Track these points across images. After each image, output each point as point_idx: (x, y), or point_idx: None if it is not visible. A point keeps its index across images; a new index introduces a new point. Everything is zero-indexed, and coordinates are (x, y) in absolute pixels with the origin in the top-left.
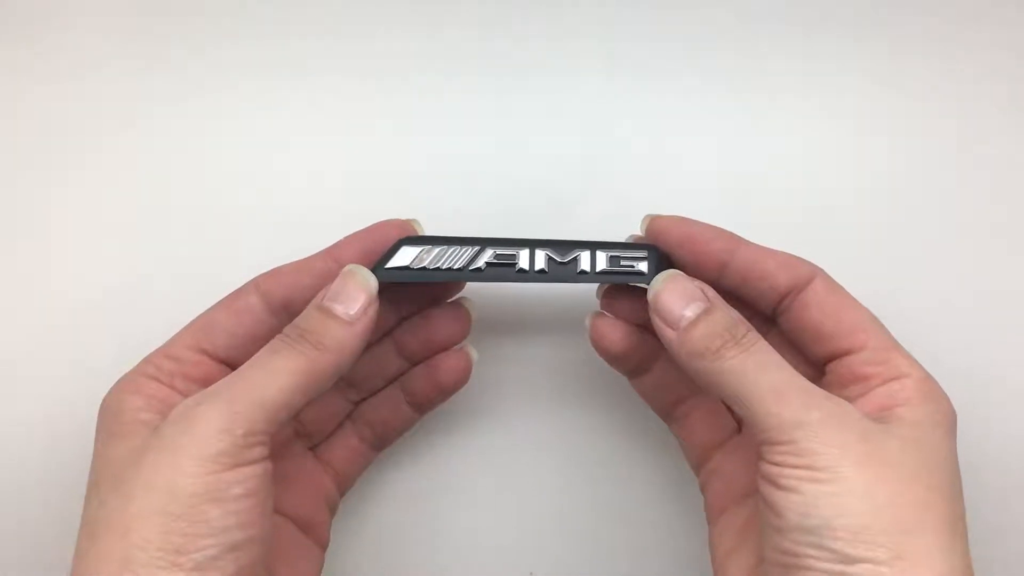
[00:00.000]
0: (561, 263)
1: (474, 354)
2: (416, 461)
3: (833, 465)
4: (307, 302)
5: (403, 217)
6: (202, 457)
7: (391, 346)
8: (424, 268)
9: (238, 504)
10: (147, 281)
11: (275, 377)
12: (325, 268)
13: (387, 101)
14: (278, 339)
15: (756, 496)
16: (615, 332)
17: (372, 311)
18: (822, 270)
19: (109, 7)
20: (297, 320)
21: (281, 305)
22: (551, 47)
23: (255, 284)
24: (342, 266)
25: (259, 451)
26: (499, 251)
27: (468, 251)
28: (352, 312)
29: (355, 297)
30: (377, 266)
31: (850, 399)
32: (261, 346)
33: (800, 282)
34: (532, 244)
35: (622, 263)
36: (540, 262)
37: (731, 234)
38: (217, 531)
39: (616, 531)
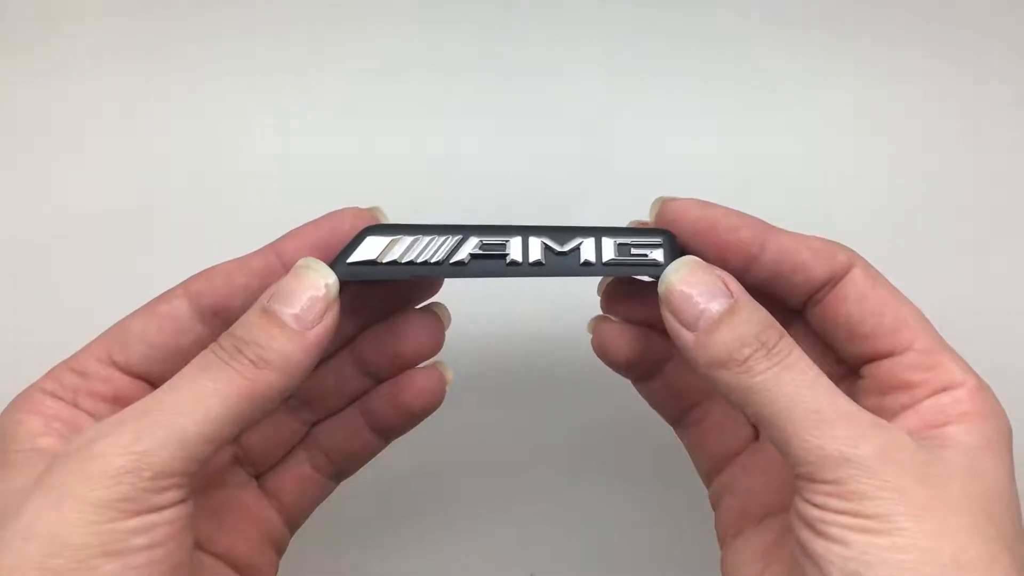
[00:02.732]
0: (560, 253)
1: (449, 374)
2: (415, 460)
3: (888, 513)
4: (242, 308)
5: (364, 206)
6: (96, 503)
7: (350, 359)
8: (395, 263)
9: (139, 557)
10: (146, 281)
11: (200, 403)
12: (264, 265)
13: (386, 101)
14: (209, 351)
15: (778, 518)
16: (621, 339)
17: (330, 318)
18: (861, 257)
19: (107, 6)
20: (234, 327)
21: (212, 311)
22: (551, 47)
23: (183, 286)
24: (286, 263)
25: (173, 495)
26: (486, 239)
27: (448, 241)
28: (305, 318)
29: (309, 299)
30: (337, 261)
31: (893, 411)
32: (186, 361)
33: (838, 272)
34: (525, 231)
35: (632, 252)
36: (535, 252)
37: (759, 220)
38: None
39: (616, 532)
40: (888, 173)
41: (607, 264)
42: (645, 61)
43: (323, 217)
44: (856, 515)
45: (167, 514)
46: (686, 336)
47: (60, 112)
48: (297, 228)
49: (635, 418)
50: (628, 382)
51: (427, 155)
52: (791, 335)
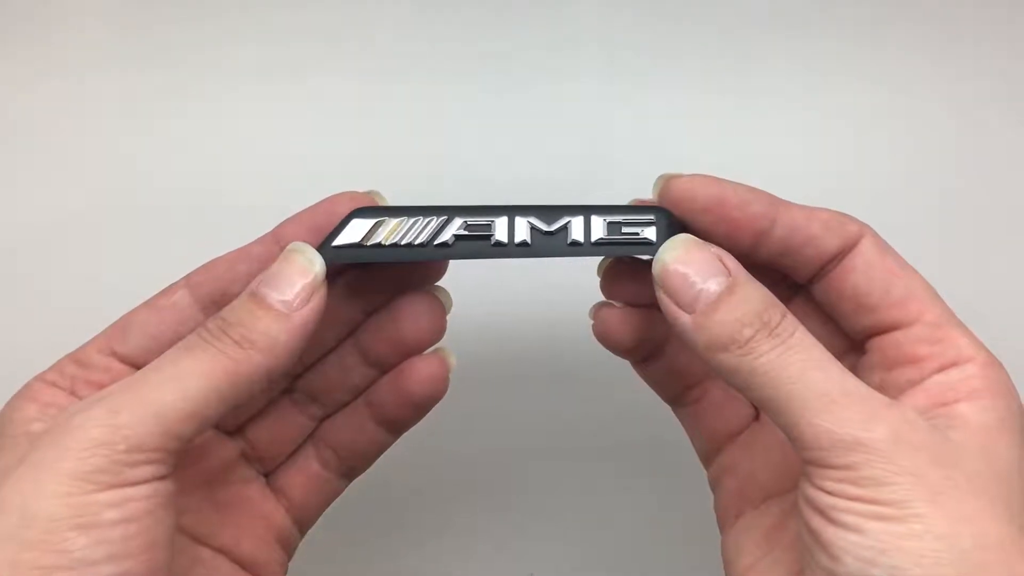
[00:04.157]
0: (547, 233)
1: (452, 359)
2: (414, 459)
3: (904, 499)
4: None
5: (361, 189)
6: (70, 474)
7: (354, 349)
8: (379, 244)
9: (112, 532)
10: (146, 281)
11: (180, 380)
12: (265, 253)
13: (386, 102)
14: (195, 333)
15: (779, 500)
16: (623, 325)
17: (316, 300)
18: (871, 228)
19: (108, 5)
20: (223, 311)
21: (213, 301)
22: (551, 48)
23: (185, 279)
24: (284, 248)
25: (149, 470)
26: (471, 220)
27: (433, 222)
28: (289, 300)
29: (294, 281)
30: (324, 244)
31: (899, 387)
32: None
33: (848, 244)
34: (511, 211)
35: (624, 230)
36: (521, 232)
37: (769, 195)
38: (79, 563)
39: (616, 531)
40: (888, 173)
41: (596, 244)
42: (645, 61)
43: (320, 202)
44: (871, 502)
45: (142, 489)
46: (683, 318)
47: (60, 112)
48: (295, 214)
49: (636, 417)
50: (629, 380)
51: (426, 155)
52: (793, 309)
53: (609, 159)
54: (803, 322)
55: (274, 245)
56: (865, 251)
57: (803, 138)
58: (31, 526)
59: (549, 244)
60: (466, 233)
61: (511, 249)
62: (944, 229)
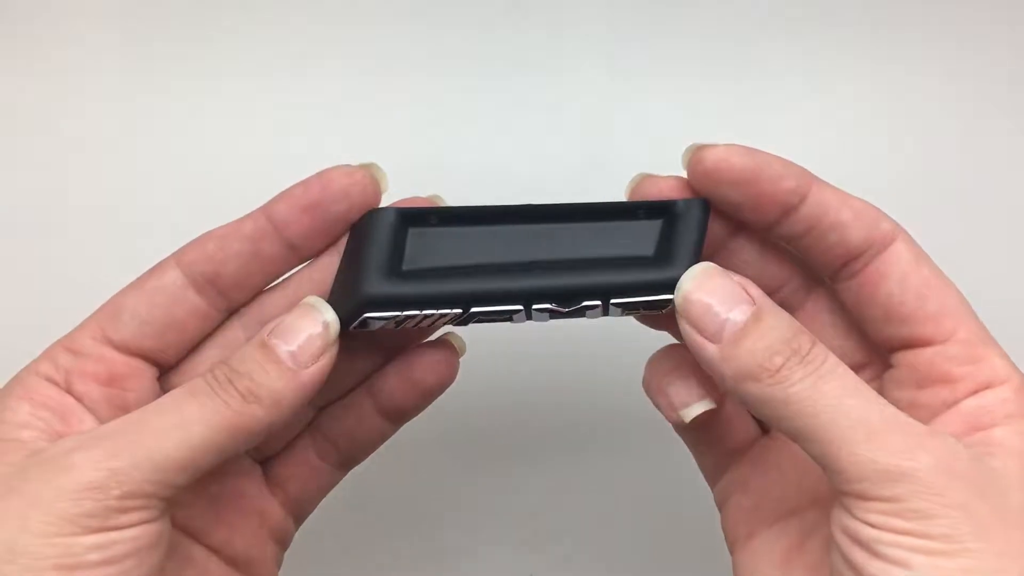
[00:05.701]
0: (563, 315)
1: (460, 344)
2: (416, 460)
3: (954, 534)
4: (237, 275)
5: (355, 164)
6: (59, 515)
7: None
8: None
9: (94, 572)
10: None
11: (181, 428)
12: (256, 229)
13: (386, 100)
14: (201, 379)
15: (796, 519)
16: None
17: (326, 359)
18: (905, 230)
19: (107, 5)
20: (231, 357)
21: (206, 280)
22: (551, 46)
23: (175, 257)
24: (276, 225)
25: (138, 515)
26: (487, 309)
27: (447, 317)
28: (301, 356)
29: (308, 338)
30: (339, 312)
31: (932, 408)
32: (184, 331)
33: (877, 242)
34: (529, 297)
35: (641, 309)
36: (538, 316)
37: (804, 170)
38: None
39: (616, 532)
40: (889, 172)
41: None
42: (645, 60)
43: (312, 177)
44: (919, 535)
45: (128, 533)
46: (710, 349)
47: (60, 112)
48: (286, 190)
49: (637, 417)
50: (630, 380)
51: (426, 155)
52: (810, 308)
53: (608, 158)
54: (820, 322)
55: (264, 221)
56: (900, 257)
57: (803, 138)
58: (14, 562)
59: (564, 317)
60: (482, 321)
61: (525, 323)
62: (946, 228)
